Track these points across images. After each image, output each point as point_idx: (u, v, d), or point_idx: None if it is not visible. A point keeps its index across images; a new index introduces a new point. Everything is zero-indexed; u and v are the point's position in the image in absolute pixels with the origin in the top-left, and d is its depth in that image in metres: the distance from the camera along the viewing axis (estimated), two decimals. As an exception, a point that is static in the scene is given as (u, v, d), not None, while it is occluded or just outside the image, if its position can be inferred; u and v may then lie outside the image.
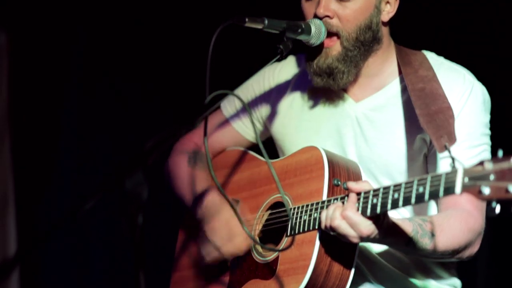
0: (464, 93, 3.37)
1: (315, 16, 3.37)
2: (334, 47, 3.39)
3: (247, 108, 3.70)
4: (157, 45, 4.96)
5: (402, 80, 3.47)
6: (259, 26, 3.19)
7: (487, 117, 3.42)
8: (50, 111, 4.90)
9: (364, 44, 3.40)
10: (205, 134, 3.22)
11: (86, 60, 4.94)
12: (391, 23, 3.51)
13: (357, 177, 3.33)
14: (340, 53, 3.38)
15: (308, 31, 3.31)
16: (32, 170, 4.82)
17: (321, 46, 3.39)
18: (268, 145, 3.70)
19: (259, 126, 3.77)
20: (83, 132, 4.97)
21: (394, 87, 3.49)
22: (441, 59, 3.53)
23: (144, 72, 4.97)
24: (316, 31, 3.33)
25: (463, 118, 3.34)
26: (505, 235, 4.53)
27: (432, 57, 3.52)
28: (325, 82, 3.42)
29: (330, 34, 3.39)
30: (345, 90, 3.53)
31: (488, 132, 3.40)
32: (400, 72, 3.49)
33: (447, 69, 3.46)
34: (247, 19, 3.13)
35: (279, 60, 3.23)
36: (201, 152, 3.80)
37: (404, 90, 3.45)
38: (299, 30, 3.29)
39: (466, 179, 2.62)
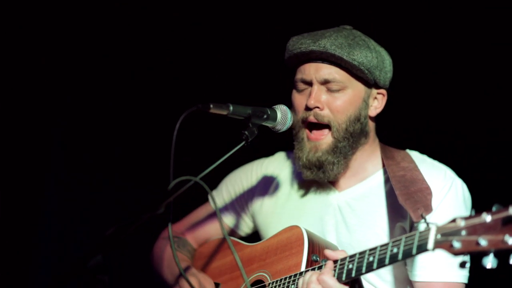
0: (444, 187, 3.39)
1: (307, 107, 3.43)
2: (324, 141, 3.45)
3: (216, 208, 3.79)
4: (129, 131, 5.04)
5: (385, 172, 3.51)
6: (224, 112, 3.20)
7: (467, 213, 3.41)
8: (30, 197, 4.93)
9: (353, 136, 3.45)
10: (170, 219, 3.20)
11: (66, 147, 5.00)
12: (378, 122, 3.59)
13: None
14: (330, 146, 3.44)
15: (273, 117, 3.33)
16: (13, 254, 4.83)
17: (310, 142, 3.45)
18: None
19: (246, 218, 3.83)
20: (63, 216, 4.98)
21: (377, 178, 3.53)
22: (423, 156, 3.58)
23: (118, 156, 5.03)
24: (282, 117, 3.35)
25: (442, 211, 3.34)
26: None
27: (414, 155, 3.57)
28: (314, 175, 3.47)
29: (320, 126, 3.45)
30: (330, 181, 3.57)
31: None
32: (383, 165, 3.53)
33: (428, 164, 3.51)
34: (211, 105, 3.15)
35: (244, 146, 3.23)
36: (183, 239, 3.86)
37: (386, 181, 3.49)
38: (265, 116, 3.31)
39: (439, 236, 2.64)
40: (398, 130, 4.33)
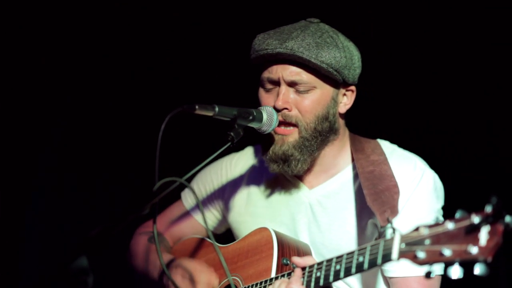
0: (414, 179, 3.38)
1: (275, 108, 3.39)
2: (291, 135, 3.41)
3: (199, 202, 3.75)
4: (115, 132, 5.06)
5: (354, 167, 3.49)
6: (210, 114, 3.19)
7: (438, 204, 3.42)
8: (17, 197, 4.95)
9: (321, 134, 3.43)
10: (154, 221, 3.20)
11: (53, 148, 5.02)
12: (348, 114, 3.56)
13: None
14: (297, 141, 3.40)
15: (259, 118, 3.34)
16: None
17: (277, 135, 3.42)
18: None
19: (219, 217, 3.81)
20: (49, 216, 4.99)
21: (347, 174, 3.51)
22: (394, 146, 3.56)
23: (104, 156, 5.04)
24: (268, 119, 3.36)
25: (414, 203, 3.34)
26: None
27: (385, 145, 3.56)
28: (280, 168, 3.43)
29: (287, 124, 3.42)
30: (299, 178, 3.56)
31: (441, 218, 3.39)
32: (353, 159, 3.51)
33: (399, 156, 3.49)
34: (197, 107, 3.14)
35: (230, 146, 3.23)
36: (160, 235, 3.84)
37: (356, 176, 3.47)
38: (251, 118, 3.31)
39: (403, 245, 2.62)
40: (370, 120, 4.34)
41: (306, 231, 3.49)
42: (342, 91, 3.48)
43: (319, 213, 3.48)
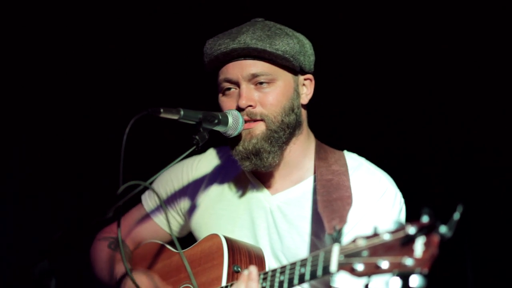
0: (376, 194, 3.35)
1: (238, 108, 3.37)
2: (258, 127, 3.38)
3: (162, 204, 3.71)
4: (79, 135, 5.03)
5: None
6: (175, 117, 3.17)
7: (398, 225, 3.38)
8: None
9: (288, 127, 3.41)
10: (118, 225, 3.17)
11: (20, 158, 4.99)
12: (315, 119, 3.57)
13: (259, 261, 3.35)
14: (264, 133, 3.38)
15: (225, 122, 3.32)
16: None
17: (243, 131, 3.39)
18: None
19: (180, 220, 3.77)
20: (14, 220, 4.95)
21: (309, 183, 3.49)
22: (361, 160, 3.52)
23: (68, 160, 5.02)
24: (234, 122, 3.34)
25: (371, 218, 3.29)
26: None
27: (351, 157, 3.52)
28: (253, 164, 3.40)
29: (253, 120, 3.39)
30: (263, 182, 3.54)
31: None
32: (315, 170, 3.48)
33: (364, 170, 3.45)
34: (162, 110, 3.11)
35: (195, 150, 3.22)
36: (122, 241, 3.77)
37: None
38: (216, 121, 3.29)
39: (342, 257, 2.56)
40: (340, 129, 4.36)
41: (266, 237, 3.48)
42: (301, 80, 3.49)
43: (279, 220, 3.47)
